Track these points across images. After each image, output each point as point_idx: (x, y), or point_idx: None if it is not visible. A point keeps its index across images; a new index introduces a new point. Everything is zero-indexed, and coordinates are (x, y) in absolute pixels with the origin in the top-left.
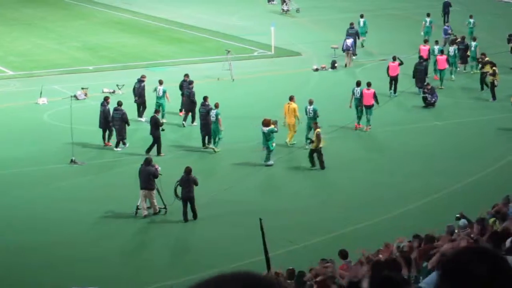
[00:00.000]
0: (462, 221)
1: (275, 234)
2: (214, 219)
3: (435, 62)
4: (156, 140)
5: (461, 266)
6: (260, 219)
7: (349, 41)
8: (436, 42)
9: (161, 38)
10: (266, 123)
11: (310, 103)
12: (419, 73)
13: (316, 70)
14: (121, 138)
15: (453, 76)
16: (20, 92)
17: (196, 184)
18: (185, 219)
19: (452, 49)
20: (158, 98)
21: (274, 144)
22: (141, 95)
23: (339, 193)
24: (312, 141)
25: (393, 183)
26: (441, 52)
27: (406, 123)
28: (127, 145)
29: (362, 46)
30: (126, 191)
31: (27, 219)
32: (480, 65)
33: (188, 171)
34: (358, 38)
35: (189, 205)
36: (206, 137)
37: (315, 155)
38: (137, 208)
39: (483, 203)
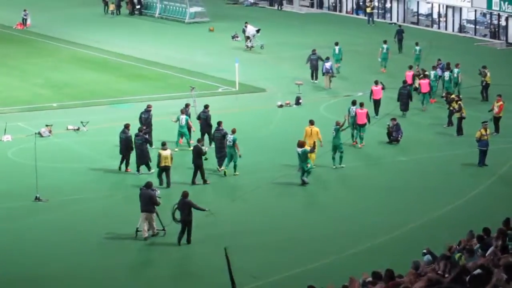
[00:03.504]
0: (427, 257)
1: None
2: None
3: (419, 85)
4: (199, 168)
5: None
6: (225, 248)
7: (328, 64)
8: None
9: (125, 75)
10: (300, 144)
11: (337, 124)
12: (402, 97)
13: (281, 106)
14: (143, 163)
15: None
16: None
17: (198, 209)
18: (179, 242)
19: (447, 74)
20: (181, 127)
21: (309, 165)
22: (149, 124)
23: (303, 228)
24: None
25: (356, 218)
26: (424, 76)
27: (370, 159)
28: (152, 170)
29: (338, 72)
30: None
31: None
32: (447, 104)
33: (185, 195)
34: (322, 60)
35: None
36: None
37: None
38: (137, 230)
39: (448, 238)
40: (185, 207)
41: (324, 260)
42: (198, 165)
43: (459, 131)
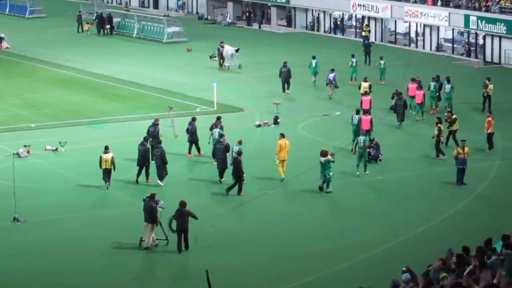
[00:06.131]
0: (405, 276)
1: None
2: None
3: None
4: (238, 180)
5: None
6: (207, 271)
7: (331, 75)
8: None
9: (103, 95)
10: (323, 153)
11: (363, 134)
12: (398, 108)
13: (259, 126)
14: (161, 173)
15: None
16: None
17: (194, 217)
18: (179, 250)
19: (448, 86)
20: (214, 140)
21: (331, 173)
22: (156, 137)
23: (279, 245)
24: None
25: (333, 237)
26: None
27: (348, 177)
28: (162, 184)
29: (314, 86)
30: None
31: None
32: (447, 124)
33: (182, 204)
34: (290, 77)
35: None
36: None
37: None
38: (141, 240)
39: (427, 256)
40: (182, 216)
41: (301, 280)
42: (238, 177)
43: (441, 152)
